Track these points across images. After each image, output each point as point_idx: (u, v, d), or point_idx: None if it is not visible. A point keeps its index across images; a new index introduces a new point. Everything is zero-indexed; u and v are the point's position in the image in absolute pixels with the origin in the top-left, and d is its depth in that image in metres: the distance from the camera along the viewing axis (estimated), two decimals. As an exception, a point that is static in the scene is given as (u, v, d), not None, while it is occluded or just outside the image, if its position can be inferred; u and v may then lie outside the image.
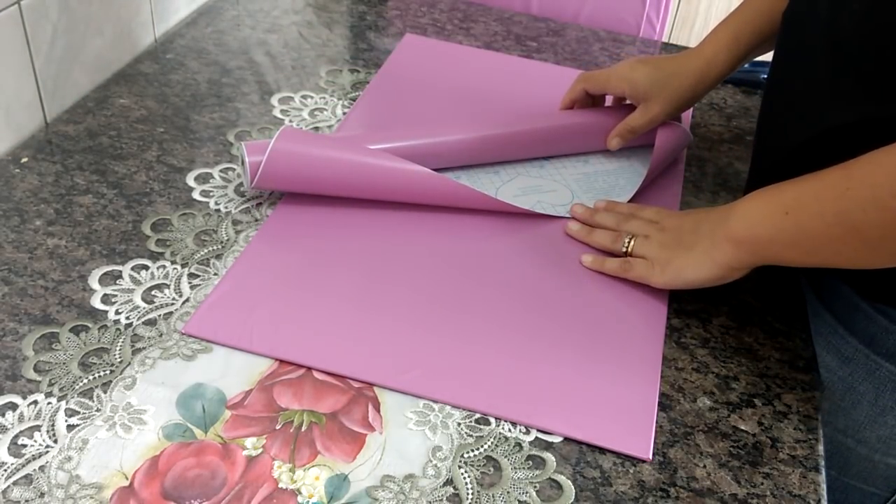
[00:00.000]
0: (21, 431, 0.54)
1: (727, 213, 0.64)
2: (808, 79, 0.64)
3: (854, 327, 0.66)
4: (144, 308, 0.64)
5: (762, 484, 0.57)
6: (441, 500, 0.53)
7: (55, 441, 0.54)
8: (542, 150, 0.84)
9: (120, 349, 0.60)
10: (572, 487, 0.55)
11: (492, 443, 0.57)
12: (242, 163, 0.72)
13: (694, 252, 0.66)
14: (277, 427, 0.56)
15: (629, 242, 0.71)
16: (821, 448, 0.60)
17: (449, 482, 0.54)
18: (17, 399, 0.56)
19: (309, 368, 0.60)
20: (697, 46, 0.81)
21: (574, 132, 0.84)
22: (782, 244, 0.60)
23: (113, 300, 0.64)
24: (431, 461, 0.55)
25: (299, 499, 0.52)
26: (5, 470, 0.52)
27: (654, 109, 0.80)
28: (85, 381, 0.58)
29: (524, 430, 0.58)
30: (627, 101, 0.84)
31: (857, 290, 0.65)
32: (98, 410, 0.56)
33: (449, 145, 0.79)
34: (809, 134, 0.63)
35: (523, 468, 0.56)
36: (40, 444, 0.53)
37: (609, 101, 0.88)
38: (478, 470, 0.55)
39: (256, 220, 0.73)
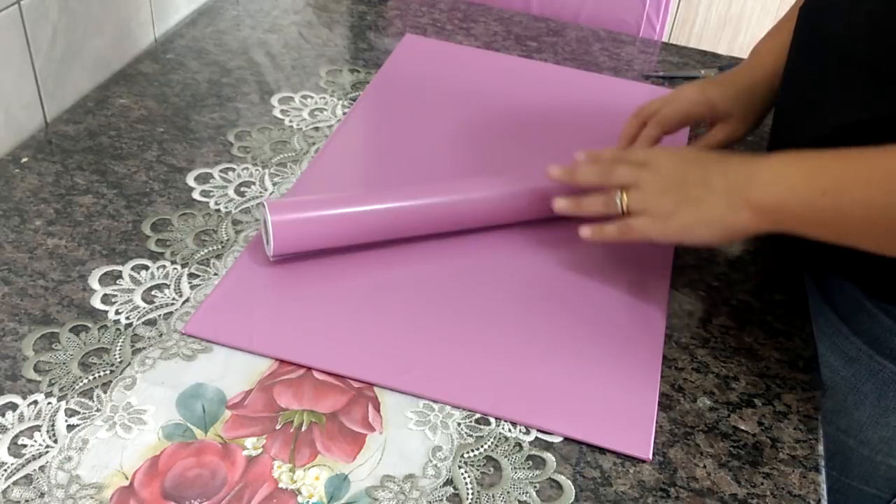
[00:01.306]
0: (21, 431, 0.54)
1: (749, 174, 0.60)
2: (824, 75, 0.63)
3: (858, 328, 0.66)
4: (144, 308, 0.64)
5: (762, 484, 0.57)
6: (441, 500, 0.53)
7: (55, 441, 0.54)
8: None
9: (120, 349, 0.60)
10: (572, 487, 0.55)
11: (492, 443, 0.57)
12: (265, 224, 0.66)
13: (703, 208, 0.61)
14: (277, 427, 0.56)
15: (622, 198, 0.65)
16: (821, 448, 0.60)
17: (449, 482, 0.54)
18: (17, 399, 0.56)
19: (309, 368, 0.60)
20: (754, 58, 0.79)
21: None
22: (813, 223, 0.58)
23: (113, 300, 0.64)
24: (431, 461, 0.55)
25: (299, 499, 0.52)
26: (5, 470, 0.52)
27: (734, 126, 0.77)
28: (85, 381, 0.58)
29: (524, 430, 0.58)
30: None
31: (863, 288, 0.65)
32: (98, 410, 0.56)
33: (470, 204, 0.72)
34: (825, 130, 0.62)
35: (523, 468, 0.56)
36: (40, 444, 0.53)
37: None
38: (478, 470, 0.55)
39: (256, 220, 0.73)
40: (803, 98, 0.66)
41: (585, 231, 0.67)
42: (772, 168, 0.60)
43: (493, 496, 0.54)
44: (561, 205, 0.69)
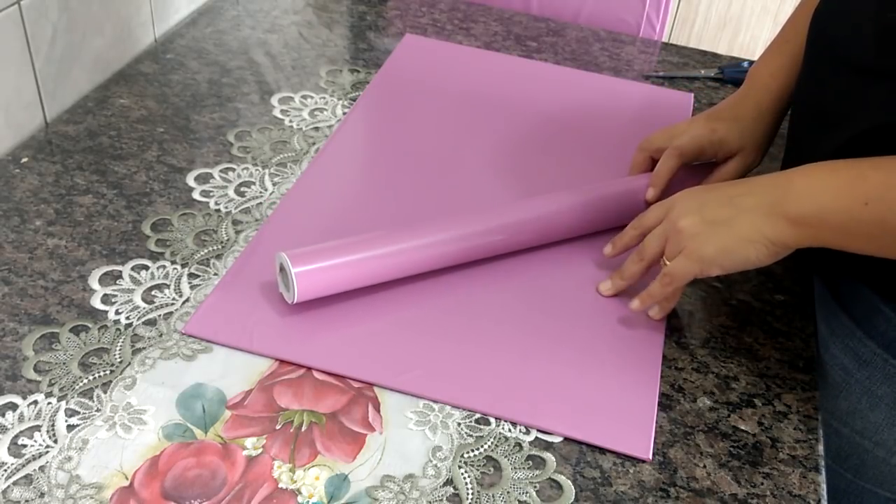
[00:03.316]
0: (21, 431, 0.54)
1: (782, 187, 0.59)
2: (839, 83, 0.62)
3: (873, 331, 0.65)
4: (144, 308, 0.64)
5: (762, 484, 0.57)
6: (441, 500, 0.53)
7: (55, 441, 0.54)
8: (580, 229, 0.75)
9: (120, 349, 0.60)
10: (572, 487, 0.55)
11: (492, 443, 0.57)
12: (281, 270, 0.64)
13: (736, 228, 0.60)
14: (277, 427, 0.56)
15: (663, 261, 0.64)
16: (821, 448, 0.60)
17: (449, 482, 0.54)
18: (17, 399, 0.56)
19: (309, 368, 0.60)
20: (758, 85, 0.77)
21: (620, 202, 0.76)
22: (855, 236, 0.56)
23: (113, 300, 0.64)
24: (431, 461, 0.55)
25: (299, 499, 0.52)
26: (5, 470, 0.52)
27: (747, 158, 0.76)
28: (85, 381, 0.58)
29: (524, 430, 0.58)
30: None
31: (878, 292, 0.64)
32: (98, 410, 0.56)
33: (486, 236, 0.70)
34: (846, 136, 0.61)
35: (523, 468, 0.56)
36: (40, 444, 0.53)
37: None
38: (478, 470, 0.55)
39: (256, 220, 0.73)
40: (818, 108, 0.65)
41: (635, 304, 0.66)
42: (806, 179, 0.58)
43: (493, 496, 0.54)
44: (608, 290, 0.69)
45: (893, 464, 0.68)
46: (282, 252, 0.63)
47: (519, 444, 0.57)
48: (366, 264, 0.64)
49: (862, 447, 0.68)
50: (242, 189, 0.76)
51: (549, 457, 0.56)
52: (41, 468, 0.52)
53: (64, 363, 0.59)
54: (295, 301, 0.62)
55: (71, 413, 0.55)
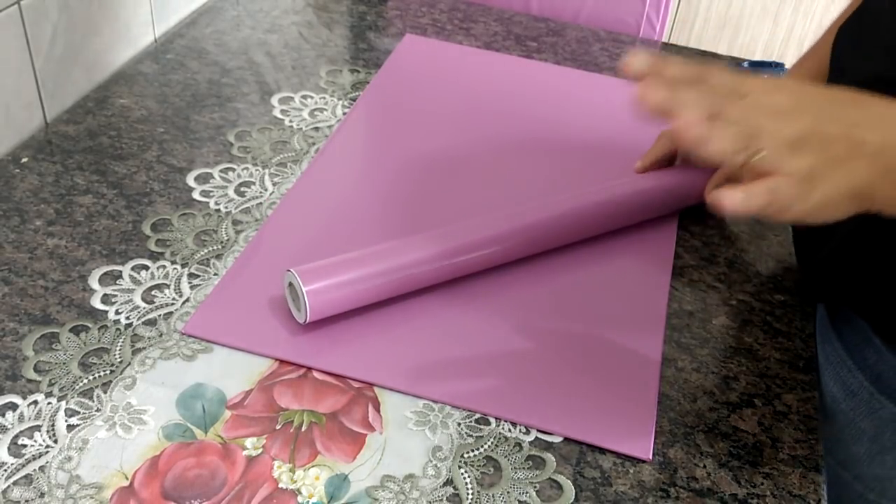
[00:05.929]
0: (21, 431, 0.54)
1: None
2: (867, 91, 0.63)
3: (863, 362, 0.65)
4: (144, 308, 0.64)
5: (762, 484, 0.57)
6: (441, 500, 0.53)
7: (55, 441, 0.54)
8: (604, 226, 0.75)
9: (120, 349, 0.60)
10: (572, 487, 0.55)
11: (492, 443, 0.57)
12: (290, 285, 0.63)
13: (852, 175, 0.44)
14: (277, 427, 0.56)
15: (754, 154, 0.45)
16: (821, 448, 0.60)
17: (449, 482, 0.54)
18: (17, 399, 0.56)
19: (309, 368, 0.60)
20: None
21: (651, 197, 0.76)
22: None
23: (113, 300, 0.64)
24: (431, 461, 0.55)
25: (299, 499, 0.52)
26: (5, 470, 0.52)
27: None
28: (85, 381, 0.58)
29: (524, 430, 0.58)
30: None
31: (869, 321, 0.64)
32: (98, 410, 0.56)
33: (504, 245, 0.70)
34: None
35: (523, 468, 0.56)
36: (40, 444, 0.53)
37: None
38: (478, 470, 0.55)
39: (256, 220, 0.73)
40: None
41: (735, 197, 0.45)
42: None
43: (493, 496, 0.54)
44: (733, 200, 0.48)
45: (871, 500, 0.67)
46: (292, 270, 0.61)
47: (519, 444, 0.57)
48: (376, 282, 0.63)
49: (842, 479, 0.67)
50: (242, 189, 0.76)
51: (549, 457, 0.56)
52: (41, 468, 0.52)
53: (64, 363, 0.59)
54: (306, 322, 0.62)
55: (71, 413, 0.55)
